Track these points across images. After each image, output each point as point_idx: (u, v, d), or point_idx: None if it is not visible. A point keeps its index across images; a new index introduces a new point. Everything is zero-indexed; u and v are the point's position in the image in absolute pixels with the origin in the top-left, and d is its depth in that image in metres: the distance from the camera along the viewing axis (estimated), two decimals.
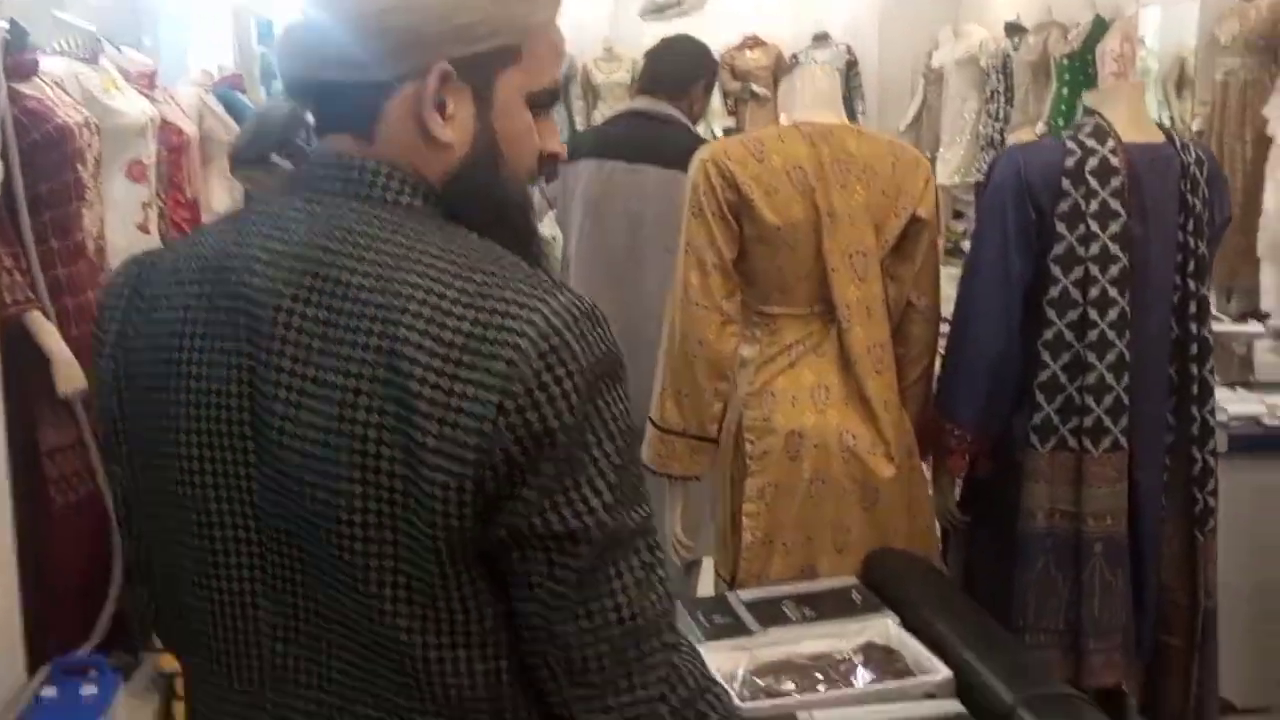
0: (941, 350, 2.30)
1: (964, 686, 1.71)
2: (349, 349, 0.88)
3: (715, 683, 0.96)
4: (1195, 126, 5.99)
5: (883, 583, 2.02)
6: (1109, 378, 2.09)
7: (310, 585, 0.94)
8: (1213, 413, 2.21)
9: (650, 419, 2.24)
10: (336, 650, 0.95)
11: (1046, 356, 2.13)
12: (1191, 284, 2.15)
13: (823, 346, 2.16)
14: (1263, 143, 4.39)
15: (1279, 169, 4.77)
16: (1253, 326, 3.52)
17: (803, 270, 2.14)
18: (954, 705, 1.69)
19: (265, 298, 0.92)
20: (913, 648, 1.81)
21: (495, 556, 0.90)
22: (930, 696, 1.73)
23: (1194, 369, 2.16)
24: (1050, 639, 2.16)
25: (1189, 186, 2.15)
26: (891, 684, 1.74)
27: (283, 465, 0.91)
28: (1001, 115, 6.96)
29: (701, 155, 2.17)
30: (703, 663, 0.96)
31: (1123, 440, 2.10)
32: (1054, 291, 2.11)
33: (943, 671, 1.74)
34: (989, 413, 2.19)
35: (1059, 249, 2.11)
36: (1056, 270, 2.11)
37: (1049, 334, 2.13)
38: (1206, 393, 2.18)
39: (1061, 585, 2.14)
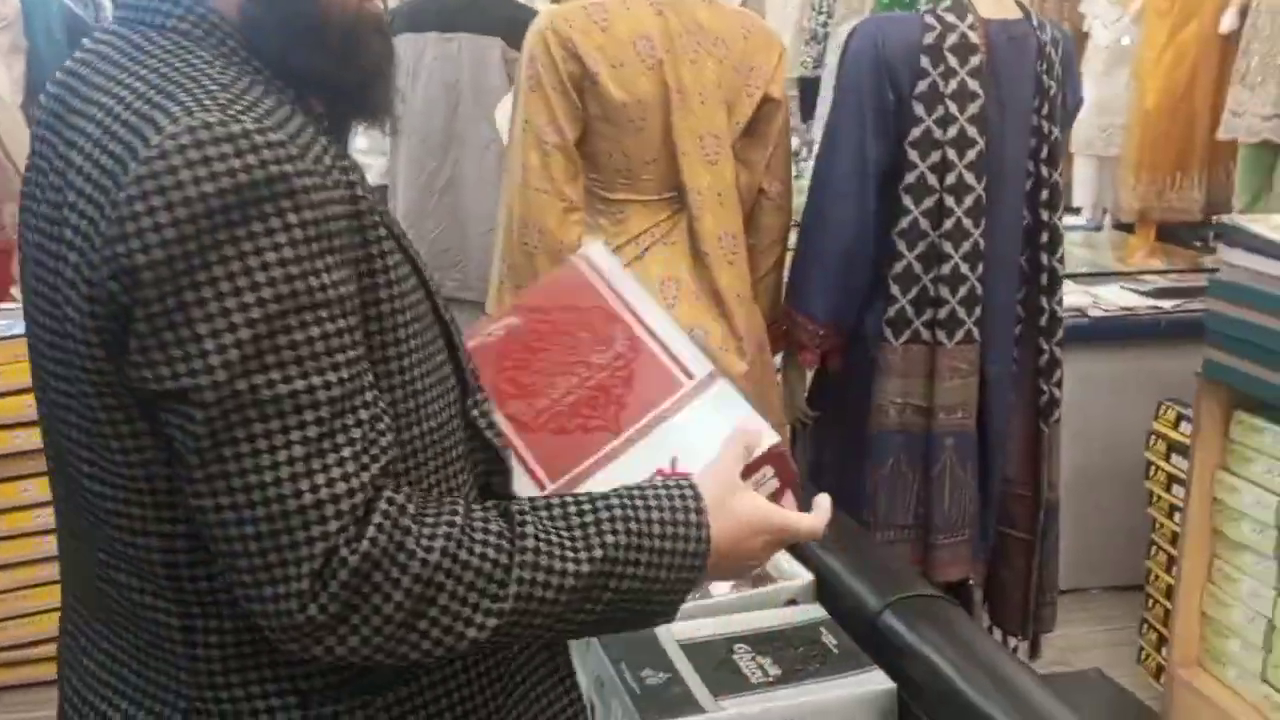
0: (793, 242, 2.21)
1: (826, 590, 1.64)
2: (57, 178, 0.85)
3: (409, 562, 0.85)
4: None
5: None
6: (964, 268, 2.03)
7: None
8: (1060, 303, 2.19)
9: (488, 315, 2.07)
10: (69, 494, 0.94)
11: (902, 246, 2.05)
12: (1045, 170, 2.10)
13: (672, 236, 2.02)
14: (1079, 38, 4.44)
15: (1094, 63, 4.84)
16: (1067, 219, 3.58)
17: (650, 153, 1.99)
18: (816, 611, 1.61)
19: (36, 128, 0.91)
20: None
21: (151, 413, 0.83)
22: (792, 602, 1.65)
23: (1044, 258, 2.12)
24: (900, 535, 2.12)
25: (1044, 68, 2.08)
26: (750, 591, 1.65)
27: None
28: (825, 8, 6.89)
29: (539, 24, 1.98)
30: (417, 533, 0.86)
31: (975, 332, 2.05)
32: (910, 177, 2.03)
33: (803, 576, 1.66)
34: (843, 305, 2.10)
35: (916, 132, 2.01)
36: (914, 155, 2.02)
37: (905, 222, 2.05)
38: (1056, 283, 2.15)
39: (912, 481, 2.10)
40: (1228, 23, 5.02)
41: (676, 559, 0.97)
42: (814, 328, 2.12)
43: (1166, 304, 3.23)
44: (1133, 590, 3.20)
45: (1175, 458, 2.90)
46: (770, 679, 1.47)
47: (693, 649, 1.50)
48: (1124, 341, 3.25)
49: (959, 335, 2.04)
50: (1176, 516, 2.90)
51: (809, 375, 2.28)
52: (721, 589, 1.67)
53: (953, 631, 1.47)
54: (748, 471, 1.04)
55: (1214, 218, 4.98)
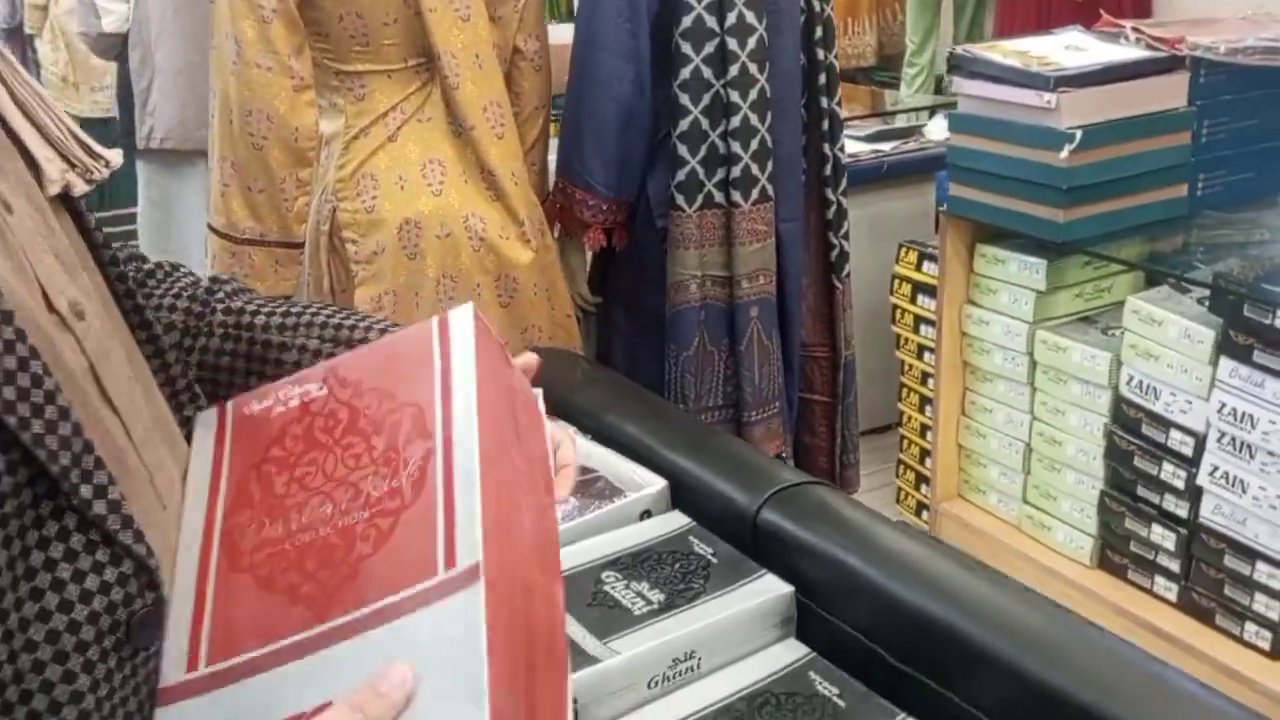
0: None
1: (683, 497, 1.45)
2: None
3: None
4: None
5: (545, 390, 1.69)
6: (753, 118, 1.85)
7: None
8: (843, 150, 2.06)
9: (211, 227, 1.70)
10: None
11: (685, 100, 1.83)
12: (817, 4, 1.94)
13: (426, 111, 1.71)
14: None
15: None
16: None
17: (390, 11, 1.66)
18: (679, 519, 1.43)
19: None
20: (610, 462, 1.51)
21: None
22: (646, 514, 1.45)
23: (824, 101, 1.98)
24: (711, 418, 1.96)
25: None
26: (600, 510, 1.44)
27: None
28: None
29: None
30: None
31: (770, 189, 1.89)
32: (688, 21, 1.80)
33: (655, 483, 1.46)
34: (624, 174, 1.88)
35: None
36: None
37: (685, 72, 1.83)
38: (837, 128, 2.02)
39: (719, 359, 1.93)
40: None
41: None
42: (595, 202, 1.88)
43: (885, 146, 3.22)
44: (885, 433, 3.26)
45: (921, 298, 2.92)
46: (655, 605, 1.28)
47: None
48: (851, 189, 3.24)
49: (754, 194, 1.87)
50: (926, 356, 2.94)
51: (589, 257, 2.05)
52: (564, 511, 1.45)
53: (841, 517, 1.32)
54: None
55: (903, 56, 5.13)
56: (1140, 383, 2.27)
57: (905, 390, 3.04)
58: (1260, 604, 2.10)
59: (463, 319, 0.88)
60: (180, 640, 0.78)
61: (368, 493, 0.82)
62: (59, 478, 0.65)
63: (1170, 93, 2.38)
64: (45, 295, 0.72)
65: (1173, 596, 2.27)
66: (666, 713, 1.18)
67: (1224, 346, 2.09)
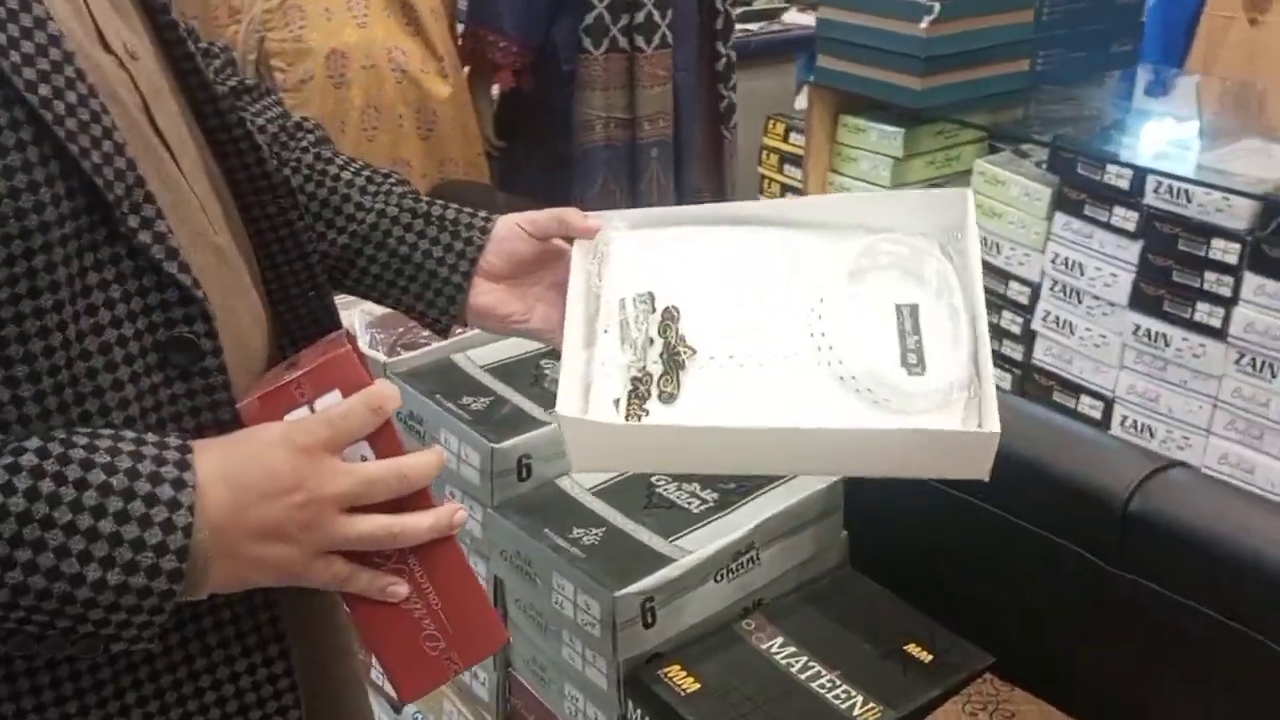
0: None
1: None
2: None
3: None
4: None
5: None
6: None
7: None
8: (732, 4, 2.20)
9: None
10: None
11: None
12: None
13: None
14: None
15: None
16: None
17: None
18: None
19: None
20: None
21: None
22: None
23: None
24: None
25: None
26: None
27: None
28: None
29: None
30: None
31: (669, 35, 2.02)
32: None
33: None
34: (532, 17, 1.98)
35: None
36: None
37: None
38: None
39: (620, 198, 2.07)
40: None
41: (122, 550, 0.67)
42: (505, 44, 1.98)
43: (753, 26, 3.38)
44: None
45: (788, 168, 3.09)
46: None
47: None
48: None
49: (656, 40, 2.00)
50: None
51: (495, 98, 2.15)
52: None
53: None
54: (286, 395, 0.75)
55: None
56: (984, 239, 2.50)
57: None
58: None
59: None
60: None
61: None
62: (112, 205, 0.70)
63: None
64: (101, 36, 0.77)
65: None
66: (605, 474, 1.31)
67: (1059, 202, 2.32)
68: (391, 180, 1.04)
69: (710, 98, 2.19)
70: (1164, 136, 2.49)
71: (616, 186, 2.06)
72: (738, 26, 3.40)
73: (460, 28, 2.04)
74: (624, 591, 1.12)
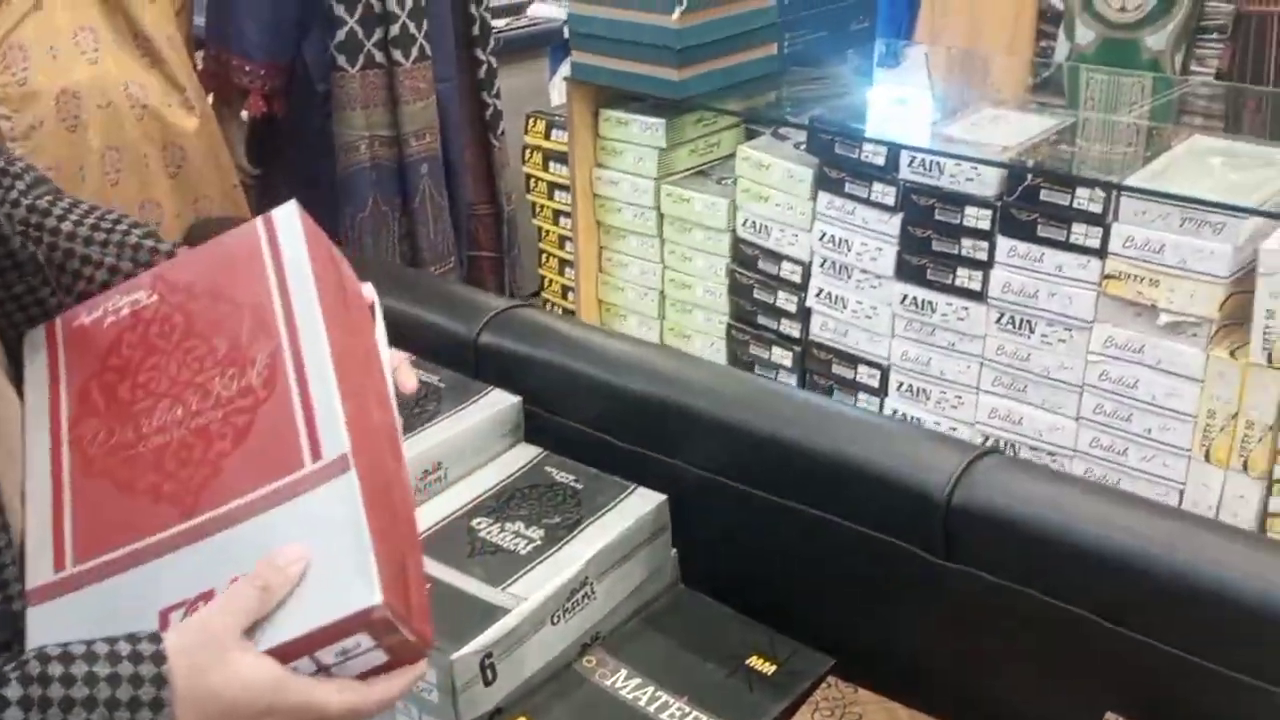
0: None
1: (398, 334, 1.52)
2: None
3: None
4: None
5: None
6: None
7: None
8: (489, 10, 2.14)
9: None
10: None
11: None
12: None
13: None
14: None
15: None
16: None
17: None
18: (396, 354, 1.50)
19: None
20: None
21: None
22: None
23: None
24: None
25: None
26: None
27: None
28: None
29: None
30: None
31: (427, 47, 1.95)
32: None
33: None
34: (279, 36, 1.87)
35: None
36: None
37: None
38: None
39: (393, 218, 1.99)
40: None
41: None
42: (252, 67, 1.86)
43: (499, 22, 3.31)
44: (529, 300, 3.41)
45: (553, 165, 3.07)
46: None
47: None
48: None
49: (414, 52, 1.93)
50: (562, 221, 3.11)
51: (246, 125, 2.02)
52: None
53: (557, 330, 1.46)
54: (314, 644, 0.74)
55: None
56: (754, 223, 2.55)
57: (545, 256, 3.20)
58: (864, 401, 2.45)
59: (288, 216, 0.89)
60: (43, 545, 0.78)
61: (218, 393, 0.82)
62: None
63: None
64: None
65: None
66: (425, 520, 1.28)
67: (821, 182, 2.39)
68: (122, 227, 0.95)
69: (475, 107, 2.14)
70: (910, 110, 2.60)
71: (389, 207, 1.98)
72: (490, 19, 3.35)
73: (201, 54, 1.91)
74: (461, 653, 1.07)
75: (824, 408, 1.26)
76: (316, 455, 0.78)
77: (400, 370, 0.99)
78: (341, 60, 1.90)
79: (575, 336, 1.43)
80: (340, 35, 1.89)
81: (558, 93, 3.06)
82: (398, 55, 1.93)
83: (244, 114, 1.97)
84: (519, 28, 3.32)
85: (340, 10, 1.88)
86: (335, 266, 0.95)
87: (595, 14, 2.60)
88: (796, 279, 2.49)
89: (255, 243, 0.88)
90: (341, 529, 0.75)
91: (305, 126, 1.96)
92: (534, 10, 3.48)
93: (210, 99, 1.93)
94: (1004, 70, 2.94)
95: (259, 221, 0.89)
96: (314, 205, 1.99)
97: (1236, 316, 1.90)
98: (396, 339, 1.53)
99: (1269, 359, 1.83)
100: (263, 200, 2.07)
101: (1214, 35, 2.88)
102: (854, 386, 2.44)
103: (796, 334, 2.52)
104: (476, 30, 2.12)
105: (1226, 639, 0.94)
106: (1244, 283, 1.87)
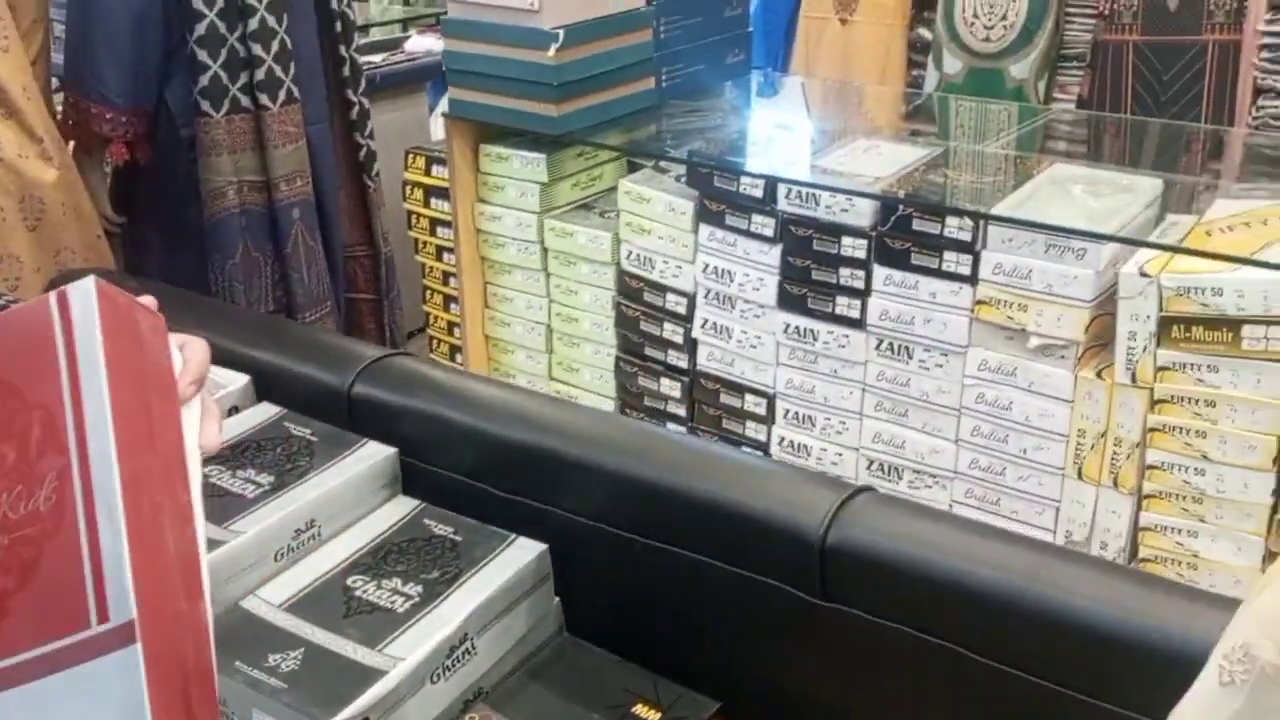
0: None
1: (270, 387, 1.49)
2: None
3: None
4: None
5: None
6: (271, 20, 1.86)
7: None
8: (358, 50, 2.12)
9: None
10: None
11: (200, 4, 1.81)
12: None
13: None
14: None
15: None
16: None
17: None
18: (268, 409, 1.47)
19: None
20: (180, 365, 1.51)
21: None
22: (234, 410, 1.47)
23: (334, 3, 2.03)
24: None
25: None
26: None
27: None
28: None
29: None
30: None
31: (295, 90, 1.91)
32: None
33: (238, 379, 1.49)
34: (140, 82, 1.82)
35: None
36: None
37: None
38: (349, 29, 2.08)
39: (265, 264, 1.95)
40: None
41: None
42: (113, 115, 1.81)
43: (376, 58, 3.29)
44: (413, 337, 3.37)
45: (435, 201, 3.04)
46: (266, 487, 1.33)
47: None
48: None
49: (281, 96, 1.89)
50: (445, 257, 3.08)
51: (109, 173, 1.96)
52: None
53: (431, 379, 1.44)
54: None
55: None
56: (638, 256, 2.56)
57: (429, 292, 3.17)
58: (751, 430, 2.48)
59: (84, 297, 0.78)
60: None
61: (4, 513, 0.74)
62: None
63: None
64: None
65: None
66: (299, 579, 1.25)
67: (702, 215, 2.41)
68: None
69: (349, 149, 2.11)
70: (787, 142, 2.65)
71: (260, 253, 1.94)
72: (363, 59, 3.32)
73: (59, 101, 1.85)
74: (336, 719, 1.05)
75: (701, 451, 1.26)
76: (103, 617, 0.71)
77: (205, 427, 0.92)
78: (206, 105, 1.86)
79: (451, 384, 1.41)
80: (204, 80, 1.85)
81: (438, 126, 3.04)
82: (264, 99, 1.89)
83: (107, 163, 1.92)
84: (396, 63, 3.30)
85: (204, 55, 1.84)
86: (139, 345, 0.85)
87: (472, 50, 2.59)
88: (682, 310, 2.51)
89: (48, 327, 0.78)
90: (121, 708, 0.69)
91: (171, 172, 1.91)
92: (412, 45, 3.45)
93: (71, 148, 1.87)
94: (877, 100, 3.01)
95: (53, 300, 0.78)
96: (183, 252, 1.96)
97: (1102, 338, 1.97)
98: (267, 391, 1.50)
99: (1133, 379, 1.89)
100: (132, 250, 2.01)
101: (1074, 63, 2.99)
102: (742, 415, 2.46)
103: (684, 365, 2.54)
104: (347, 71, 2.09)
105: (1091, 668, 0.96)
106: (1107, 305, 1.93)
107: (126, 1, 1.77)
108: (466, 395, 1.40)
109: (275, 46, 1.88)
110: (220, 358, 1.53)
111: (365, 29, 3.82)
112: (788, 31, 3.58)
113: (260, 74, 1.87)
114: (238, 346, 1.52)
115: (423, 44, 3.62)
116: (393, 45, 3.42)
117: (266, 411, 1.46)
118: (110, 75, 1.80)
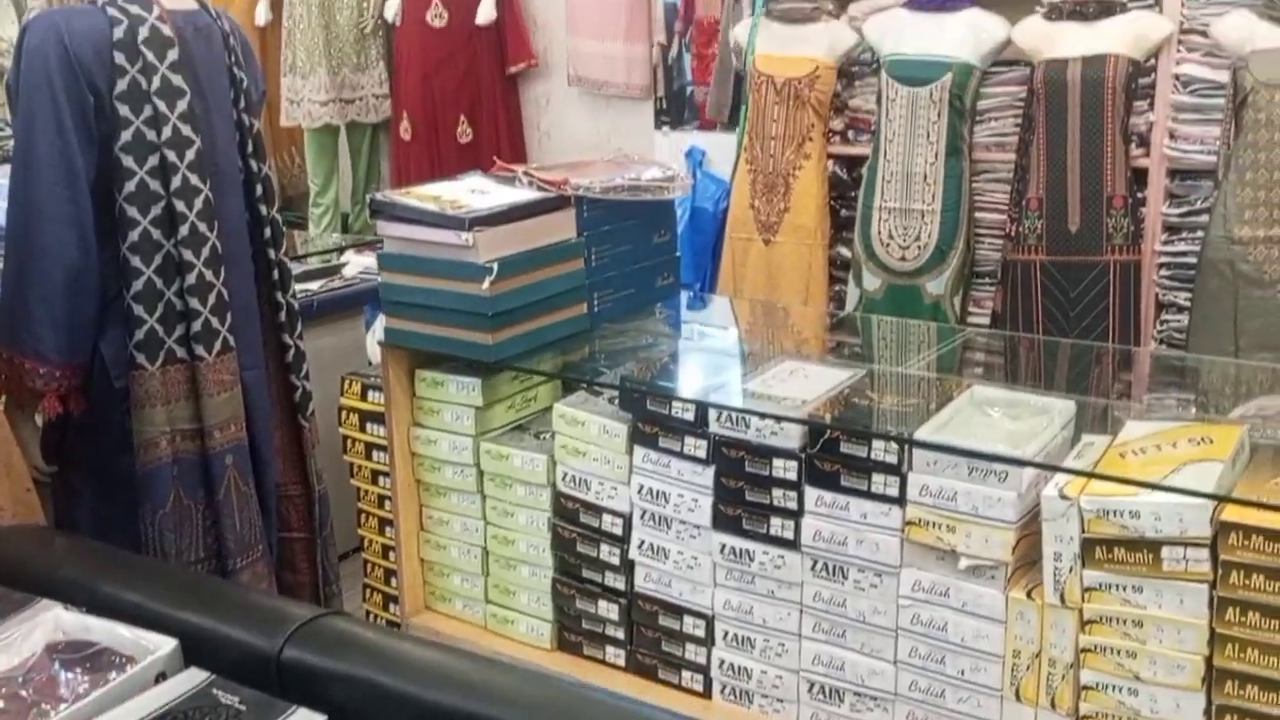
0: None
1: (199, 651, 1.46)
2: None
3: None
4: None
5: (18, 569, 1.60)
6: (208, 274, 1.90)
7: None
8: (295, 296, 2.17)
9: None
10: None
11: (137, 261, 1.85)
12: (254, 164, 2.05)
13: None
14: None
15: None
16: None
17: None
18: (197, 675, 1.44)
19: None
20: (113, 631, 1.48)
21: None
22: (162, 677, 1.44)
23: (271, 253, 2.09)
24: (194, 570, 1.95)
25: (233, 60, 2.02)
26: (112, 683, 1.41)
27: None
28: None
29: None
30: None
31: (231, 340, 1.95)
32: (131, 185, 1.83)
33: (166, 644, 1.46)
34: (75, 338, 1.84)
35: (127, 135, 1.82)
36: (129, 161, 1.83)
37: (135, 235, 1.85)
38: (287, 276, 2.13)
39: (196, 511, 1.94)
40: (261, 16, 5.27)
41: None
42: (47, 370, 1.82)
43: (313, 285, 3.35)
44: (346, 559, 3.32)
45: (370, 425, 3.05)
46: None
47: None
48: None
49: (217, 346, 1.92)
50: (381, 480, 3.07)
51: (40, 426, 1.96)
52: (73, 689, 1.40)
53: (364, 641, 1.43)
54: None
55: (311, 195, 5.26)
56: (573, 477, 2.57)
57: (364, 515, 3.15)
58: (691, 652, 2.45)
59: None
60: None
61: None
62: None
63: (563, 226, 2.76)
64: None
65: (622, 662, 2.57)
66: None
67: (635, 437, 2.45)
68: None
69: (284, 391, 2.14)
70: (716, 364, 2.72)
71: (192, 501, 1.93)
72: (298, 287, 3.38)
73: None
74: None
75: (630, 713, 1.26)
76: None
77: None
78: (141, 358, 1.88)
79: (384, 647, 1.40)
80: (139, 334, 1.88)
81: (376, 343, 3.09)
82: (200, 350, 1.92)
83: (40, 414, 1.92)
84: (334, 289, 3.36)
85: (139, 310, 1.88)
86: None
87: (407, 283, 2.65)
88: (618, 531, 2.51)
89: None
90: None
91: (103, 423, 1.92)
92: (349, 270, 3.53)
93: (2, 403, 1.87)
94: (801, 319, 3.11)
95: None
96: (113, 502, 1.95)
97: (1031, 555, 2.01)
98: (196, 655, 1.47)
99: (1061, 599, 1.92)
100: (62, 501, 1.99)
101: (986, 280, 3.14)
102: (681, 638, 2.44)
103: (622, 586, 2.52)
104: (283, 316, 2.14)
105: None
106: (1033, 525, 1.97)
107: (64, 261, 1.81)
108: (399, 658, 1.38)
109: (212, 299, 1.93)
110: (148, 620, 1.51)
111: (303, 257, 3.90)
112: (714, 250, 3.73)
113: (197, 326, 1.91)
114: (166, 609, 1.50)
115: (360, 262, 3.70)
116: (332, 272, 3.49)
117: (194, 678, 1.43)
118: (46, 333, 1.83)
